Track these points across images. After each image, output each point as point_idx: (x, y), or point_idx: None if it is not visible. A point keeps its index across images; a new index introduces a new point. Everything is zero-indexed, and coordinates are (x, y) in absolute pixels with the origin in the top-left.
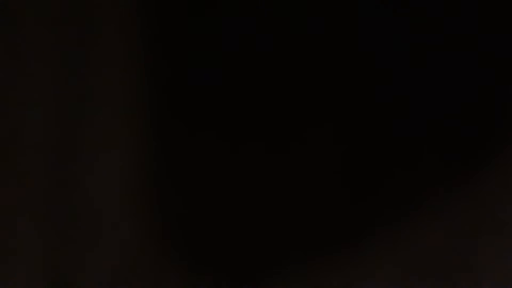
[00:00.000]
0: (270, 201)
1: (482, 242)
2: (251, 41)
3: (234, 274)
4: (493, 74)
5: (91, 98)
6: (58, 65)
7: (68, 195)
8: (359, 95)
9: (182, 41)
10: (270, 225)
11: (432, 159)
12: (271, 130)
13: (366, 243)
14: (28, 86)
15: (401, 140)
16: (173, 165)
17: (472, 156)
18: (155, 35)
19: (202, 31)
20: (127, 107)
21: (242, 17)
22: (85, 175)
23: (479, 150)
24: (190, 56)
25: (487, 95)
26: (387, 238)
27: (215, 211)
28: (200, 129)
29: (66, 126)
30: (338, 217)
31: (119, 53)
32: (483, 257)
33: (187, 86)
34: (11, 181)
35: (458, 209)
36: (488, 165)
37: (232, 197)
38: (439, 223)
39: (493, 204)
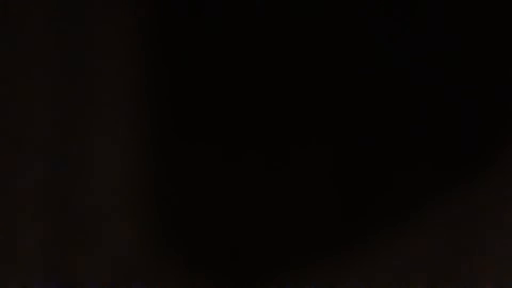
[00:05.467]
0: (268, 204)
1: (482, 243)
2: (251, 44)
3: (233, 275)
4: (493, 74)
5: (91, 98)
6: (58, 65)
7: (67, 195)
8: (355, 100)
9: (182, 42)
10: (268, 228)
11: (432, 160)
12: (269, 135)
13: (364, 246)
14: (28, 86)
15: (400, 142)
16: (173, 167)
17: (472, 156)
18: (155, 36)
19: (202, 33)
20: (127, 108)
21: (243, 20)
22: (85, 176)
23: (479, 151)
24: (190, 58)
25: (487, 95)
26: (386, 240)
27: (214, 213)
28: (200, 130)
29: (66, 126)
30: (336, 221)
31: (119, 53)
32: (483, 258)
33: (188, 88)
34: (11, 180)
35: (458, 210)
36: (488, 165)
37: (231, 200)
38: (438, 224)
39: (493, 205)
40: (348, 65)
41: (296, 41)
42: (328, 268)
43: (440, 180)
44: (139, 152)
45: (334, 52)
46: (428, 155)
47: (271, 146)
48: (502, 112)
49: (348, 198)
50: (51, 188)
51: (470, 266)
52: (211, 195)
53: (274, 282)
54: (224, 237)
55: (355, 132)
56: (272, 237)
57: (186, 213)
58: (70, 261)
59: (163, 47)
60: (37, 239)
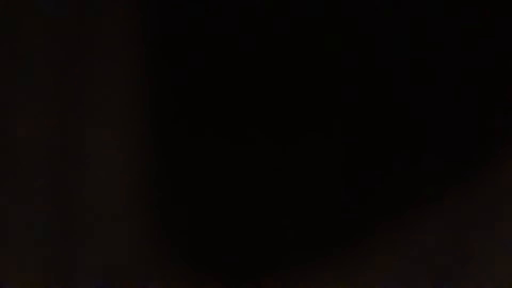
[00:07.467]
0: (270, 201)
1: (482, 242)
2: (252, 40)
3: (234, 273)
4: (492, 73)
5: (91, 98)
6: (58, 65)
7: (68, 195)
8: (360, 95)
9: (182, 40)
10: (270, 225)
11: (432, 159)
12: (272, 130)
13: (365, 243)
14: (28, 86)
15: (401, 140)
16: (173, 165)
17: (471, 155)
18: (155, 35)
19: (202, 30)
20: (128, 107)
21: (243, 17)
22: (85, 176)
23: (479, 150)
24: (191, 56)
25: (487, 95)
26: (386, 238)
27: (215, 210)
28: (200, 129)
29: (66, 126)
30: (339, 217)
31: (120, 53)
32: (483, 256)
33: (188, 86)
34: (11, 181)
35: (457, 209)
36: (488, 165)
37: (232, 197)
38: (438, 223)
39: (493, 204)
40: (351, 61)
41: (302, 35)
42: (328, 267)
43: (439, 180)
44: (140, 151)
45: (341, 45)
46: (428, 154)
47: (273, 145)
48: (502, 112)
49: (352, 197)
50: (51, 188)
51: (470, 266)
52: (212, 193)
53: (276, 280)
54: (226, 237)
55: (359, 129)
56: (276, 236)
57: (187, 212)
58: (70, 261)
59: (163, 45)
60: (36, 239)
